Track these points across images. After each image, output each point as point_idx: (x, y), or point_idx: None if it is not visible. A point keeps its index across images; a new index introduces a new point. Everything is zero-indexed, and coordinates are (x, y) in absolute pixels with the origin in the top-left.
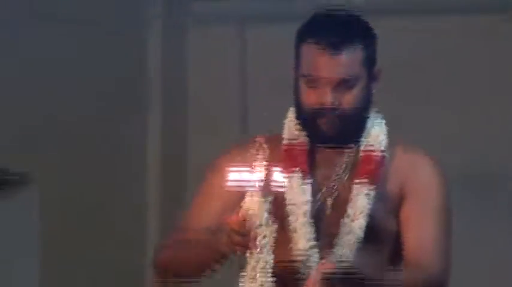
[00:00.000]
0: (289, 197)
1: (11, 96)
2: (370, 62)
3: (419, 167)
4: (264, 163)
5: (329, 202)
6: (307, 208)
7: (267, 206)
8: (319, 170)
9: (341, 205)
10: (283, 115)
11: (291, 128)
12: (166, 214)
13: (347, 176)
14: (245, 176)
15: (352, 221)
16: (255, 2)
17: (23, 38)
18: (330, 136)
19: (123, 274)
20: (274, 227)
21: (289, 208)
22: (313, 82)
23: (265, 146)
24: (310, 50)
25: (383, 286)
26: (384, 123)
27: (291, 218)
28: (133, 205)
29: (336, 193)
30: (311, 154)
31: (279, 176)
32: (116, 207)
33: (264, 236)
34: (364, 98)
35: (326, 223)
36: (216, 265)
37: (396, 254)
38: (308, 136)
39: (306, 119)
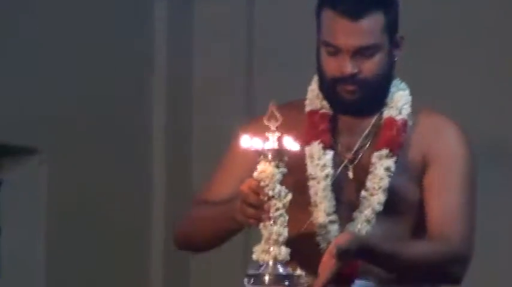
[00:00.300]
0: (309, 171)
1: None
2: (391, 28)
3: (443, 133)
4: (276, 132)
5: (350, 173)
6: (328, 182)
7: (279, 177)
8: (341, 139)
9: (362, 176)
10: (291, 89)
11: (313, 97)
12: (171, 202)
13: (369, 145)
14: (256, 145)
15: (372, 195)
16: None
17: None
18: (351, 105)
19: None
20: (288, 198)
21: (310, 182)
22: (332, 50)
23: (278, 114)
24: (328, 17)
25: (402, 259)
26: (407, 90)
27: (311, 192)
28: (139, 194)
29: (357, 163)
30: (333, 123)
31: (292, 145)
32: (120, 198)
33: (277, 209)
34: (385, 66)
35: (347, 195)
36: (234, 233)
37: (420, 224)
38: (330, 105)
39: (327, 87)
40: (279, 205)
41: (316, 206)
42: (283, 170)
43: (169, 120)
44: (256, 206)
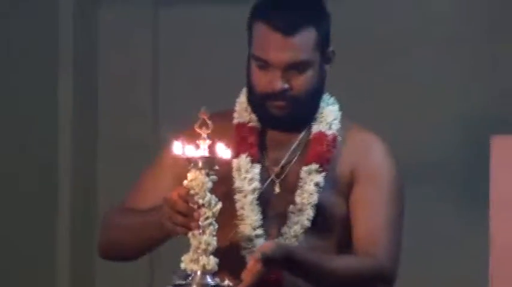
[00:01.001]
0: (236, 184)
1: None
2: (323, 44)
3: (371, 151)
4: (207, 140)
5: (277, 187)
6: (254, 195)
7: (209, 185)
8: (268, 153)
9: (289, 190)
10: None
11: (241, 110)
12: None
13: (296, 159)
14: (188, 152)
15: (300, 210)
16: None
17: None
18: (280, 120)
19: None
20: (218, 207)
21: (237, 195)
22: (263, 64)
23: (209, 122)
24: (261, 30)
25: (327, 272)
26: (337, 106)
27: (237, 205)
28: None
29: (284, 178)
30: (261, 137)
31: (224, 153)
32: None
33: (207, 217)
34: (316, 81)
35: (274, 209)
36: (162, 242)
37: (346, 240)
38: (258, 119)
39: (257, 101)
40: (209, 213)
41: (242, 219)
42: (214, 178)
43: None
44: (185, 214)
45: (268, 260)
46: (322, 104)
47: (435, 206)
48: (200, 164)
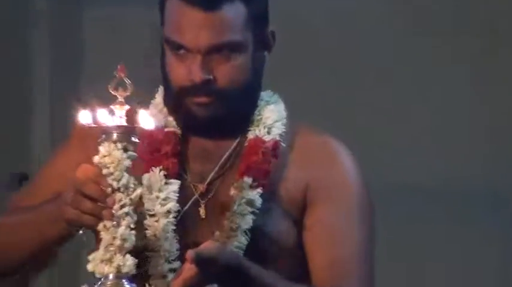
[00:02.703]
0: (147, 205)
1: None
2: (257, 22)
3: (330, 159)
4: (125, 104)
5: (202, 209)
6: (170, 219)
7: (127, 163)
8: (192, 166)
9: (219, 213)
10: None
11: (156, 112)
12: None
13: (228, 174)
14: (100, 119)
15: (228, 237)
16: None
17: None
18: (205, 122)
19: None
20: (138, 193)
21: (147, 219)
22: (179, 50)
23: (128, 81)
24: (174, 8)
25: None
26: (281, 104)
27: (149, 233)
28: None
29: (212, 198)
30: (182, 146)
31: (147, 122)
32: None
33: (123, 205)
34: (250, 71)
35: (197, 237)
36: (59, 243)
37: (296, 276)
38: (178, 123)
39: (174, 99)
40: (126, 200)
41: (153, 250)
42: (133, 154)
43: None
44: (95, 198)
45: (207, 263)
46: (261, 103)
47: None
48: (115, 136)
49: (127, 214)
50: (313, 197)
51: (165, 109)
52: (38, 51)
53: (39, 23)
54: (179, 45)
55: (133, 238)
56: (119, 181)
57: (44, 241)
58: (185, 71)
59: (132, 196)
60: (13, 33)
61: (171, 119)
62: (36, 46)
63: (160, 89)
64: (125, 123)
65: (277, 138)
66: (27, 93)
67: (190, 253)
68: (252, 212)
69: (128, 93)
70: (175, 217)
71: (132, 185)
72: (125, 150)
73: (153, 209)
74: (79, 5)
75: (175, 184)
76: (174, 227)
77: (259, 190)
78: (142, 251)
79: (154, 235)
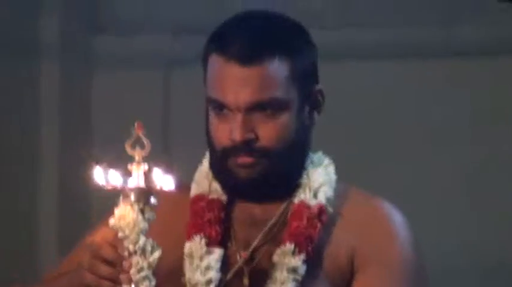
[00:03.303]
0: (188, 275)
1: None
2: (303, 78)
3: (379, 225)
4: (142, 164)
5: (246, 279)
6: None
7: (144, 225)
8: (237, 234)
9: (262, 281)
10: None
11: (200, 178)
12: None
13: (272, 241)
14: (114, 181)
15: None
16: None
17: None
18: (248, 184)
19: None
20: (156, 256)
21: None
22: (221, 109)
23: (146, 139)
24: (215, 64)
25: None
26: (332, 167)
27: None
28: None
29: (256, 265)
30: (227, 213)
31: (166, 183)
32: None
33: (141, 269)
34: (296, 130)
35: None
36: None
37: None
38: (222, 187)
39: (217, 161)
40: (143, 263)
41: None
42: (151, 215)
43: None
44: (112, 263)
45: None
46: (309, 166)
47: None
48: (132, 197)
49: (145, 278)
50: (361, 265)
51: (210, 175)
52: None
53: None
54: (220, 104)
55: None
56: (135, 244)
57: None
58: (227, 131)
59: (150, 260)
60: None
61: (215, 184)
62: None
63: (207, 154)
64: (142, 185)
65: (324, 202)
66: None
67: None
68: (295, 280)
69: (146, 153)
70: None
71: (149, 248)
72: (142, 212)
73: (194, 279)
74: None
75: (217, 253)
76: None
77: (303, 257)
78: None
79: None
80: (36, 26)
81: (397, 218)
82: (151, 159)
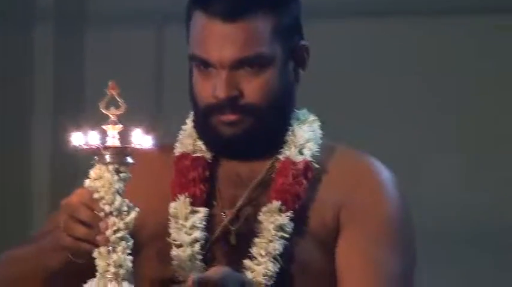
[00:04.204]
0: (173, 235)
1: None
2: (287, 33)
3: (366, 181)
4: (118, 123)
5: (233, 237)
6: (196, 248)
7: (120, 186)
8: (222, 192)
9: (248, 239)
10: None
11: (184, 137)
12: None
13: (259, 199)
14: (92, 141)
15: (258, 264)
16: None
17: None
18: (233, 142)
19: None
20: (132, 216)
21: (173, 250)
22: (205, 67)
23: (120, 99)
24: (198, 21)
25: None
26: (317, 123)
27: (174, 264)
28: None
29: (243, 224)
30: (212, 171)
31: (142, 141)
32: None
33: (117, 229)
34: (281, 87)
35: (226, 264)
36: (63, 273)
37: None
38: (206, 145)
39: (201, 121)
40: (120, 224)
41: (181, 281)
42: (126, 176)
43: None
44: (88, 224)
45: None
46: (294, 123)
47: None
48: (107, 158)
49: (122, 238)
50: (347, 222)
51: (194, 134)
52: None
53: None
54: (204, 61)
55: (130, 264)
56: (111, 204)
57: (46, 272)
58: (210, 89)
59: (127, 220)
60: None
61: (200, 143)
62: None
63: (191, 114)
64: (117, 144)
65: (309, 158)
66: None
67: (191, 277)
68: (282, 237)
69: (121, 112)
70: (203, 246)
71: (125, 208)
72: (118, 172)
73: (180, 238)
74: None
75: (202, 212)
76: (202, 257)
77: (290, 214)
78: (170, 282)
79: (181, 266)
80: None
81: (384, 174)
82: (144, 118)
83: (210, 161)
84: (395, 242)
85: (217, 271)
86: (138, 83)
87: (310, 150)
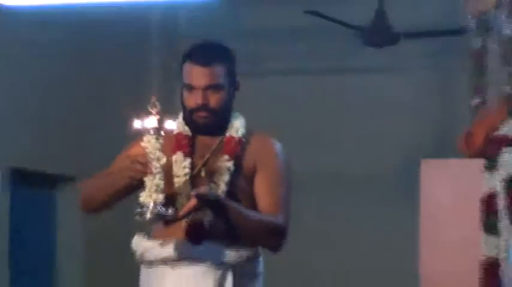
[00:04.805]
0: (174, 171)
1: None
2: (231, 74)
3: (267, 147)
4: (157, 115)
5: (203, 173)
6: (186, 177)
7: (158, 146)
8: (197, 151)
9: (211, 175)
10: None
11: (179, 124)
12: None
13: (216, 155)
14: (144, 123)
15: (217, 186)
16: None
17: None
18: (204, 127)
19: None
20: (163, 161)
21: (175, 178)
22: (190, 88)
23: (157, 103)
24: (188, 66)
25: (244, 219)
26: (243, 119)
27: (176, 185)
28: None
29: (208, 167)
30: (192, 141)
31: (170, 125)
32: None
33: (156, 167)
34: (227, 100)
35: (200, 185)
36: (127, 190)
37: (252, 208)
38: (190, 129)
39: (188, 115)
40: (157, 165)
41: (179, 194)
42: (161, 141)
43: None
44: (143, 163)
45: (201, 198)
46: (232, 119)
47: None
48: (152, 132)
49: (158, 172)
50: (258, 169)
51: (183, 122)
52: None
53: None
54: (190, 86)
55: (163, 185)
56: (154, 154)
57: (116, 189)
58: (193, 100)
59: (161, 162)
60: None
61: (187, 128)
62: None
63: (181, 113)
64: (156, 125)
65: (240, 135)
66: None
67: (193, 192)
68: (229, 173)
69: (158, 110)
70: (189, 176)
71: (160, 157)
72: (157, 139)
73: (178, 172)
74: None
75: (188, 160)
76: (188, 182)
77: (232, 161)
78: (173, 195)
79: (179, 187)
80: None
81: (278, 145)
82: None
83: (191, 136)
84: (283, 179)
85: (205, 187)
86: None
87: (241, 132)
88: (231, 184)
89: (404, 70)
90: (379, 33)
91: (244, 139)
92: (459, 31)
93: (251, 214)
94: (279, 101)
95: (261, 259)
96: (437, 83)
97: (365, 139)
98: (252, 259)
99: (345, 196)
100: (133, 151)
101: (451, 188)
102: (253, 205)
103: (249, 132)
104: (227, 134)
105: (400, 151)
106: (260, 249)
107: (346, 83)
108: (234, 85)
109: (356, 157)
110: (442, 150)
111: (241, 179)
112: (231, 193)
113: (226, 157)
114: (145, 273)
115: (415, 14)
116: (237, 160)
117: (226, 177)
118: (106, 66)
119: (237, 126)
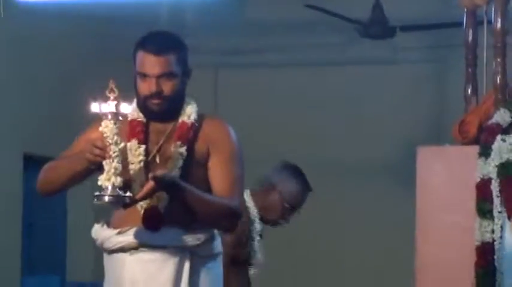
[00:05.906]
0: (129, 158)
1: None
2: (183, 63)
3: (219, 131)
4: (114, 100)
5: (157, 159)
6: (141, 165)
7: (115, 130)
8: (151, 137)
9: (166, 160)
10: None
11: (133, 111)
12: None
13: (169, 141)
14: (102, 108)
15: (170, 172)
16: None
17: None
18: (157, 113)
19: None
20: (122, 145)
21: (130, 165)
22: (144, 76)
23: (115, 89)
24: (141, 55)
25: (200, 200)
26: (195, 104)
27: (131, 172)
28: None
29: (161, 153)
30: (146, 128)
31: (126, 109)
32: None
33: (115, 151)
34: (180, 87)
35: (154, 172)
36: (85, 174)
37: (206, 191)
38: (144, 115)
39: (142, 103)
40: (116, 148)
41: (134, 181)
42: (119, 125)
43: None
44: (101, 148)
45: (158, 180)
46: (185, 104)
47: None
48: (109, 116)
49: (117, 155)
50: (212, 152)
51: (137, 108)
52: None
53: None
54: (144, 74)
55: (121, 168)
56: (112, 139)
57: (75, 173)
58: (147, 87)
59: (119, 147)
60: None
61: (140, 114)
62: None
63: (135, 100)
64: (114, 110)
65: (193, 121)
66: None
67: (150, 175)
68: (182, 158)
69: (116, 95)
70: (144, 163)
71: (119, 141)
72: (115, 123)
73: (132, 160)
74: None
75: (142, 147)
76: (143, 168)
77: (185, 148)
78: (128, 180)
79: (134, 173)
80: None
81: (229, 128)
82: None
83: (145, 123)
84: (236, 161)
85: (162, 171)
86: None
87: (193, 117)
88: (184, 168)
89: (401, 62)
90: (376, 26)
91: (196, 124)
92: (454, 24)
93: (207, 196)
94: (280, 92)
95: (218, 240)
96: (433, 74)
97: (364, 128)
98: (210, 241)
99: (344, 184)
100: (93, 135)
101: (446, 174)
102: (207, 189)
103: (201, 117)
104: (180, 120)
105: (397, 139)
106: (216, 230)
107: (346, 75)
108: (186, 73)
109: (355, 146)
110: (438, 138)
111: (195, 163)
112: (185, 177)
113: (179, 142)
114: (107, 260)
115: (411, 8)
116: (190, 145)
117: (179, 162)
118: (115, 61)
119: (189, 112)
